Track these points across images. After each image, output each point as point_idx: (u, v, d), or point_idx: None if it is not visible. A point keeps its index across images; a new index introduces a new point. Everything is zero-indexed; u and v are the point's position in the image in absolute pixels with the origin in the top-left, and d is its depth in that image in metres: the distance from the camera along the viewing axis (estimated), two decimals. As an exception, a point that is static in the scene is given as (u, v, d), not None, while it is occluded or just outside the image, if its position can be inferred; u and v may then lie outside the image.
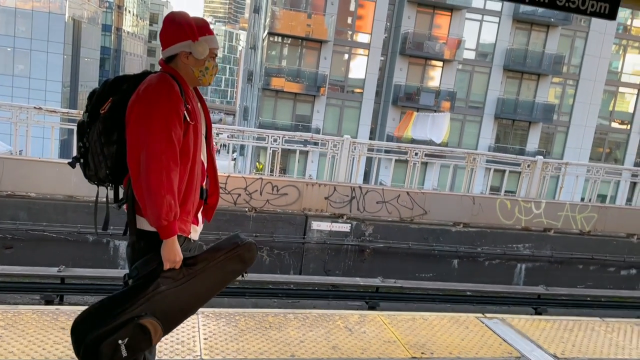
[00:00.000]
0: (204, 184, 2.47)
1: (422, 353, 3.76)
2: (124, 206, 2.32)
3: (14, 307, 3.87)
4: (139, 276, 2.27)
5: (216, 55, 2.38)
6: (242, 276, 2.51)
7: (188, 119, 2.21)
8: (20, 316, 3.57)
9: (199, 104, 2.41)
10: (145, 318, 2.19)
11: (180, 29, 2.28)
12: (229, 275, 2.47)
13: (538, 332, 4.37)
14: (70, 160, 2.36)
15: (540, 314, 8.37)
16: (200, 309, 4.24)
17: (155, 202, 2.12)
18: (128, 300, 2.21)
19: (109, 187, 2.39)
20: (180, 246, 2.28)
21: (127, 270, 2.36)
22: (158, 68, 2.40)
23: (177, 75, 2.29)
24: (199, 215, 2.46)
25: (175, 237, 2.21)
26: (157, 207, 2.12)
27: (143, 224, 2.27)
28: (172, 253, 2.22)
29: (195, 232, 2.44)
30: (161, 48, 2.38)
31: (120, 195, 2.35)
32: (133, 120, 2.16)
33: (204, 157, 2.41)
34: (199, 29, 2.29)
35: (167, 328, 2.31)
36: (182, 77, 2.30)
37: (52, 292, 6.96)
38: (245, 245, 2.45)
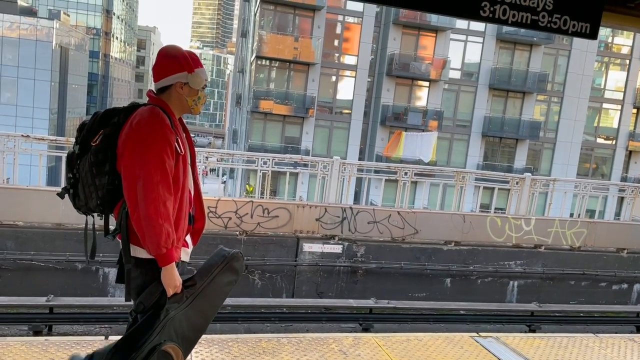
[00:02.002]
0: (191, 210, 2.56)
1: (418, 375, 3.72)
2: (118, 236, 2.37)
3: (1, 339, 3.80)
4: (147, 308, 2.34)
5: (206, 86, 2.49)
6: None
7: (179, 149, 2.30)
8: (8, 348, 3.50)
9: (184, 135, 2.50)
10: (166, 344, 2.31)
11: (176, 61, 2.38)
12: (226, 287, 2.59)
13: (532, 350, 4.35)
14: (59, 192, 2.41)
15: (534, 331, 8.36)
16: (192, 336, 4.19)
17: (154, 231, 2.19)
18: (146, 331, 2.29)
19: (100, 217, 2.44)
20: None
21: (118, 298, 2.38)
22: (147, 92, 2.50)
23: (166, 107, 2.38)
24: (188, 239, 2.55)
25: (173, 263, 2.29)
26: (157, 235, 2.20)
27: (137, 252, 2.32)
28: (173, 279, 2.30)
29: (186, 255, 2.52)
30: (153, 80, 2.45)
31: (111, 225, 2.41)
32: (128, 153, 2.24)
33: (190, 184, 2.50)
34: (193, 61, 2.41)
35: (187, 349, 2.44)
36: (171, 109, 2.39)
37: (40, 323, 6.85)
38: (234, 256, 2.58)
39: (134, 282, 2.36)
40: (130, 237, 2.30)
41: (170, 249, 2.24)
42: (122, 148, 2.25)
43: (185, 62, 2.38)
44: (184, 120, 2.65)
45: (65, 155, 2.57)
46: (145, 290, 2.34)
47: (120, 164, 2.27)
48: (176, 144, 2.29)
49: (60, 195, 2.41)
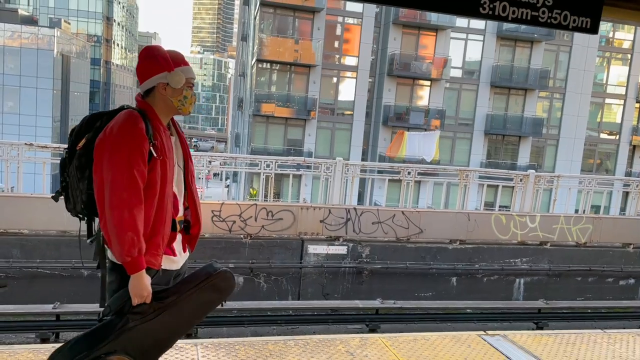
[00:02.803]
0: (184, 215, 2.51)
1: (426, 374, 3.71)
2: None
3: (9, 347, 3.80)
4: (111, 313, 2.29)
5: (193, 85, 2.44)
6: (222, 305, 2.55)
7: (155, 154, 2.26)
8: (15, 356, 3.51)
9: (173, 138, 2.46)
10: (115, 355, 2.22)
11: (155, 62, 2.35)
12: (205, 306, 2.49)
13: (541, 348, 4.33)
14: (53, 195, 2.43)
15: (541, 328, 8.33)
16: (199, 340, 4.19)
17: (118, 239, 2.17)
18: (98, 337, 2.23)
19: (84, 220, 2.44)
20: (152, 279, 2.29)
21: None
22: (135, 96, 2.47)
23: (150, 110, 2.35)
24: (176, 246, 2.46)
25: (143, 272, 2.23)
26: (120, 243, 2.17)
27: (113, 256, 2.31)
28: (139, 288, 2.24)
29: (172, 263, 2.44)
30: (138, 82, 2.42)
31: (95, 229, 2.40)
32: (97, 159, 2.23)
33: (177, 189, 2.44)
34: (174, 60, 2.37)
35: None
36: (156, 112, 2.36)
37: (47, 330, 6.86)
38: (219, 275, 2.47)
39: (110, 287, 2.34)
40: (104, 241, 2.29)
41: (136, 257, 2.19)
42: (94, 154, 2.25)
43: (165, 61, 2.34)
44: (179, 124, 2.61)
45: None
46: (116, 293, 2.30)
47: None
48: (152, 148, 2.25)
49: (55, 198, 2.42)
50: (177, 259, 2.47)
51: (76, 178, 2.30)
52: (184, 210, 2.52)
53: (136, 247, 2.18)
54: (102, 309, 2.38)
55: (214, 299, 2.49)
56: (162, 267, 2.37)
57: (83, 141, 2.29)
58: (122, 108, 2.36)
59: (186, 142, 2.57)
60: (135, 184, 2.19)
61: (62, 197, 2.41)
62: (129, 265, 2.20)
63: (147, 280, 2.25)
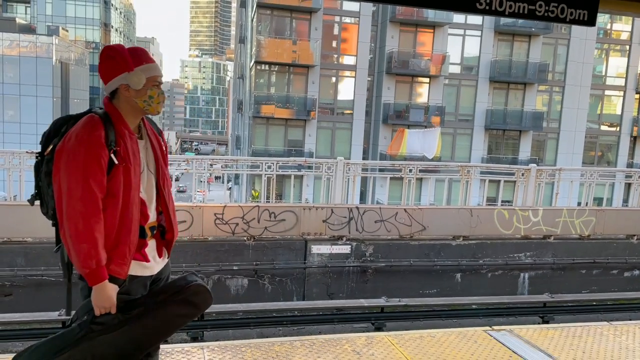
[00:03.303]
0: (157, 220, 2.42)
1: (433, 371, 3.71)
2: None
3: (16, 356, 3.80)
4: (76, 321, 2.25)
5: (159, 83, 2.33)
6: (199, 319, 2.45)
7: (116, 161, 2.19)
8: (23, 364, 3.51)
9: (143, 141, 2.37)
10: None
11: (114, 63, 2.26)
12: (176, 320, 2.40)
13: (547, 341, 4.33)
14: (29, 198, 2.38)
15: (547, 322, 8.33)
16: (206, 343, 4.19)
17: (74, 250, 2.12)
18: (57, 345, 2.19)
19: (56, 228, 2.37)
20: (121, 287, 2.23)
21: None
22: (103, 99, 2.39)
23: (115, 113, 2.27)
24: (149, 252, 2.37)
25: (104, 283, 2.16)
26: (76, 255, 2.12)
27: None
28: (101, 299, 2.17)
29: (144, 269, 2.35)
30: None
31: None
32: (55, 168, 2.17)
33: (146, 194, 2.35)
34: (134, 59, 2.27)
35: None
36: (122, 115, 2.27)
37: (53, 337, 6.86)
38: (191, 288, 2.37)
39: (82, 293, 2.28)
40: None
41: (94, 268, 2.12)
42: (54, 161, 2.19)
43: (123, 61, 2.24)
44: (154, 123, 2.52)
45: None
46: (84, 301, 2.24)
47: None
48: (113, 155, 2.17)
49: (30, 202, 2.37)
50: (150, 265, 2.37)
51: (45, 183, 2.25)
52: (157, 215, 2.42)
53: (93, 258, 2.11)
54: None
55: (187, 313, 2.40)
56: (133, 274, 2.29)
57: (51, 146, 2.23)
58: (89, 111, 2.29)
59: (161, 145, 2.46)
60: (91, 194, 2.12)
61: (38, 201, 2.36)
62: (88, 277, 2.14)
63: (111, 290, 2.18)
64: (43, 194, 2.30)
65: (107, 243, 2.18)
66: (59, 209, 2.16)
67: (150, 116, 2.47)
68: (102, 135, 2.17)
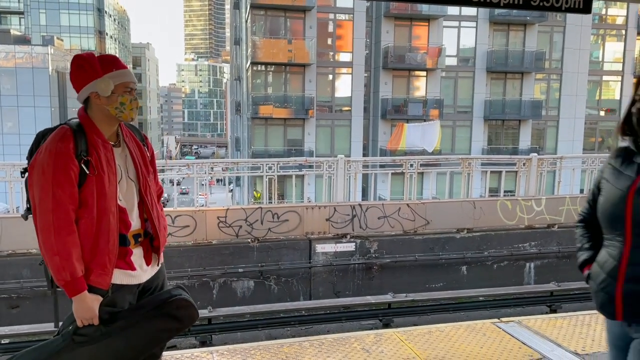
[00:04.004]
0: (142, 227, 2.40)
1: (443, 366, 3.71)
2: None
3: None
4: (60, 332, 2.25)
5: (131, 89, 2.31)
6: (186, 334, 2.44)
7: (87, 171, 2.18)
8: (33, 377, 3.51)
9: (119, 149, 2.35)
10: None
11: (83, 71, 2.27)
12: (159, 334, 2.38)
13: (556, 331, 4.32)
14: (23, 213, 2.38)
15: (555, 311, 8.32)
16: (215, 347, 4.19)
17: (48, 262, 2.13)
18: (38, 356, 2.19)
19: None
20: (104, 298, 2.22)
21: None
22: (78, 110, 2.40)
23: (88, 123, 2.27)
24: (135, 260, 2.34)
25: (84, 294, 2.15)
26: (51, 267, 2.13)
27: None
28: (81, 310, 2.17)
29: (130, 278, 2.33)
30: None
31: None
32: (29, 182, 2.19)
33: (126, 202, 2.32)
34: (103, 66, 2.26)
35: None
36: (94, 124, 2.27)
37: (62, 347, 6.87)
38: (174, 302, 2.35)
39: (68, 305, 2.27)
40: None
41: (69, 280, 2.11)
42: (28, 174, 2.20)
43: (91, 69, 2.25)
44: (136, 130, 2.51)
45: None
46: (69, 313, 2.24)
47: None
48: (83, 165, 2.17)
49: (24, 216, 2.37)
50: (136, 274, 2.34)
51: (31, 196, 2.25)
52: (141, 222, 2.40)
53: (67, 270, 2.10)
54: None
55: (171, 327, 2.37)
56: (119, 283, 2.27)
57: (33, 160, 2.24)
58: (63, 123, 2.29)
59: (143, 152, 2.46)
60: (61, 206, 2.12)
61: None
62: (65, 289, 2.14)
63: (92, 302, 2.17)
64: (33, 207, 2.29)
65: (85, 254, 2.17)
66: (35, 221, 2.16)
67: (131, 123, 2.45)
68: (71, 146, 2.17)
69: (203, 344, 7.07)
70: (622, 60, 31.66)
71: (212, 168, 9.93)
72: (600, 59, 31.97)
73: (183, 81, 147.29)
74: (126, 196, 2.33)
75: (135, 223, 2.36)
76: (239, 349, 3.95)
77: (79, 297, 2.14)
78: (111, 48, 64.75)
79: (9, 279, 8.10)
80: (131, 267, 2.32)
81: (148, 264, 2.41)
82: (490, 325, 4.46)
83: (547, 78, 30.95)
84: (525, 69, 29.46)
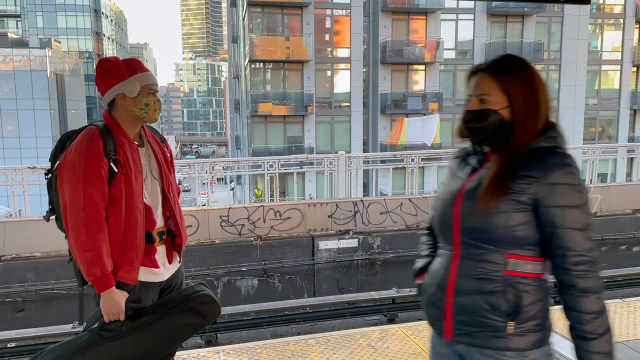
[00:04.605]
0: (165, 225, 2.47)
1: (449, 360, 3.71)
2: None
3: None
4: (87, 328, 2.30)
5: (154, 91, 2.40)
6: (207, 330, 2.51)
7: (116, 170, 2.25)
8: (41, 380, 3.52)
9: (143, 149, 2.44)
10: None
11: (109, 74, 2.34)
12: (183, 330, 2.44)
13: (561, 323, 4.33)
14: (44, 215, 2.47)
15: (558, 302, 8.32)
16: (221, 347, 4.20)
17: (79, 258, 2.20)
18: (66, 351, 2.24)
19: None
20: (130, 294, 2.28)
21: None
22: (102, 112, 2.47)
23: (114, 124, 2.34)
24: (159, 257, 2.42)
25: (112, 289, 2.22)
26: (81, 263, 2.20)
27: None
28: (109, 305, 2.23)
29: (154, 275, 2.41)
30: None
31: None
32: (59, 180, 2.27)
33: (151, 200, 2.40)
34: (128, 69, 2.35)
35: None
36: (120, 125, 2.35)
37: (69, 350, 6.89)
38: (197, 298, 2.42)
39: (94, 301, 2.34)
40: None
41: (99, 275, 2.18)
42: (57, 173, 2.29)
43: (118, 71, 2.33)
44: (156, 132, 2.59)
45: None
46: (97, 308, 2.31)
47: None
48: (112, 164, 2.24)
49: (46, 218, 2.45)
50: (159, 271, 2.42)
51: (56, 198, 2.33)
52: (164, 220, 2.48)
53: (97, 266, 2.17)
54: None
55: (195, 322, 2.44)
56: (143, 280, 2.34)
57: (58, 162, 2.32)
58: (89, 125, 2.36)
59: (164, 151, 2.55)
60: (92, 203, 2.19)
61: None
62: (95, 284, 2.21)
63: (119, 297, 2.24)
64: (57, 209, 2.37)
65: (114, 250, 2.24)
66: (64, 219, 2.24)
67: (151, 125, 2.54)
68: (101, 145, 2.24)
69: (209, 343, 7.08)
70: (620, 50, 31.58)
71: (213, 167, 9.93)
72: (599, 49, 31.90)
73: (181, 80, 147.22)
74: (151, 194, 2.41)
75: (159, 221, 2.44)
76: (245, 348, 3.96)
77: (107, 293, 2.21)
78: (109, 49, 64.71)
79: (14, 282, 8.12)
80: (155, 264, 2.39)
81: (170, 262, 2.49)
82: (495, 318, 4.46)
83: (546, 69, 30.88)
84: (524, 61, 29.39)
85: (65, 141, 2.35)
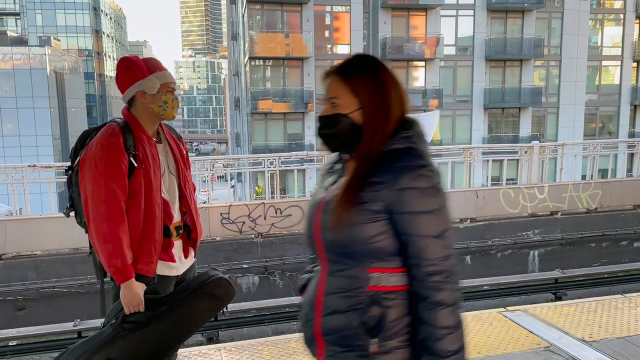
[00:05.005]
0: (182, 220, 2.55)
1: (451, 357, 3.71)
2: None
3: (35, 370, 3.83)
4: (108, 322, 2.36)
5: (173, 89, 2.47)
6: (223, 313, 2.57)
7: (135, 164, 2.32)
8: (42, 378, 3.53)
9: (161, 145, 2.51)
10: None
11: (130, 72, 2.41)
12: (202, 314, 2.51)
13: (562, 319, 4.33)
14: (64, 211, 2.53)
15: (560, 298, 8.33)
16: (222, 344, 4.20)
17: (100, 250, 2.26)
18: (91, 346, 2.30)
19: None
20: (148, 286, 2.34)
21: None
22: (122, 109, 2.53)
23: (133, 121, 2.41)
24: (175, 252, 2.50)
25: (131, 281, 2.28)
26: (102, 254, 2.26)
27: None
28: (129, 297, 2.28)
29: (170, 269, 2.49)
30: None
31: None
32: (80, 174, 2.34)
33: (168, 195, 2.48)
34: (148, 67, 2.42)
35: None
36: (139, 122, 2.41)
37: (70, 348, 6.90)
38: (213, 282, 2.48)
39: (112, 294, 2.41)
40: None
41: (120, 267, 2.24)
42: (79, 169, 2.35)
43: (138, 69, 2.39)
44: (172, 129, 2.67)
45: None
46: (114, 303, 2.38)
47: None
48: (132, 159, 2.31)
49: (66, 214, 2.51)
50: (175, 265, 2.50)
51: (77, 194, 2.40)
52: (181, 215, 2.55)
53: (118, 257, 2.23)
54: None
55: (212, 306, 2.51)
56: (160, 274, 2.41)
57: (78, 158, 2.39)
58: (107, 122, 2.44)
59: (180, 148, 2.62)
60: (113, 196, 2.26)
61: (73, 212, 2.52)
62: (115, 276, 2.27)
63: (139, 288, 2.30)
64: (77, 205, 2.45)
65: (133, 243, 2.31)
66: (85, 213, 2.31)
67: (168, 123, 2.63)
68: (121, 140, 2.32)
69: (210, 340, 7.09)
70: (621, 45, 31.52)
71: (213, 165, 9.92)
72: (599, 44, 31.84)
73: (181, 78, 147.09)
74: (169, 190, 2.49)
75: (176, 215, 2.52)
76: (247, 345, 3.96)
77: (127, 284, 2.27)
78: (108, 47, 64.63)
79: (15, 281, 8.12)
80: (172, 258, 2.49)
81: (185, 256, 2.58)
82: (496, 314, 4.46)
83: (546, 65, 30.84)
84: (524, 56, 29.35)
85: (85, 138, 2.43)
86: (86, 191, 2.28)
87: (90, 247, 2.46)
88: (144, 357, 2.37)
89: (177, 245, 2.51)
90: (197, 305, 2.44)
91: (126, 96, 2.42)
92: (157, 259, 2.38)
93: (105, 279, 2.45)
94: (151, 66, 2.42)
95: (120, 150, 2.29)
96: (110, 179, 2.25)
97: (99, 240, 2.24)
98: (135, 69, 2.39)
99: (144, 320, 2.31)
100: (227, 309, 2.58)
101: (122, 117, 2.46)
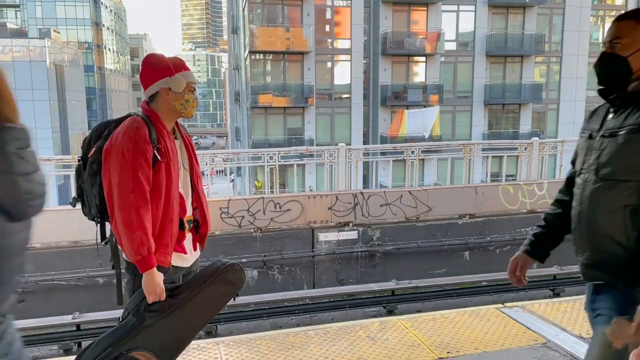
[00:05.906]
0: (193, 215, 2.63)
1: (448, 352, 3.72)
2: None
3: (34, 363, 3.84)
4: (129, 313, 2.41)
5: (194, 89, 2.56)
6: (234, 299, 2.67)
7: (159, 157, 2.38)
8: (41, 371, 3.54)
9: (178, 142, 2.58)
10: (137, 351, 2.33)
11: (157, 69, 2.48)
12: (218, 300, 2.60)
13: (560, 315, 4.34)
14: (71, 201, 2.58)
15: (558, 294, 8.36)
16: (221, 338, 4.22)
17: (128, 239, 2.29)
18: (118, 336, 2.34)
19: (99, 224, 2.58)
20: (164, 276, 2.40)
21: None
22: (141, 103, 2.59)
23: (154, 115, 2.47)
24: (186, 244, 2.58)
25: (154, 269, 2.34)
26: (129, 243, 2.29)
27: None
28: (152, 285, 2.34)
29: (183, 260, 2.56)
30: (142, 89, 2.54)
31: (108, 232, 2.55)
32: (105, 165, 2.37)
33: (183, 190, 2.55)
34: (175, 66, 2.49)
35: (166, 359, 2.45)
36: (160, 117, 2.48)
37: (69, 340, 6.94)
38: (228, 268, 2.58)
39: (127, 286, 2.48)
40: (118, 242, 2.42)
41: (146, 255, 2.30)
42: (103, 160, 2.39)
43: (166, 67, 2.47)
44: (184, 127, 2.73)
45: (74, 172, 2.72)
46: (133, 295, 2.43)
47: None
48: (156, 152, 2.37)
49: (72, 204, 2.56)
50: (187, 257, 2.58)
51: (89, 184, 2.45)
52: (192, 210, 2.62)
53: (145, 245, 2.29)
54: (122, 310, 2.48)
55: (227, 292, 2.60)
56: (173, 264, 2.48)
57: (94, 149, 2.44)
58: (128, 115, 2.48)
59: (192, 145, 2.69)
60: (141, 186, 2.31)
61: (79, 202, 2.57)
62: (140, 264, 2.32)
63: (160, 277, 2.36)
64: (86, 195, 2.50)
65: (153, 233, 2.36)
66: (109, 202, 2.35)
67: (180, 121, 2.70)
68: (147, 133, 2.38)
69: (208, 334, 7.12)
70: (622, 42, 31.41)
71: (213, 159, 9.92)
72: (600, 41, 31.75)
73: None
74: (184, 185, 2.57)
75: (189, 210, 2.60)
76: (245, 339, 3.97)
77: (149, 273, 2.33)
78: (108, 39, 64.43)
79: (14, 273, 8.12)
80: (184, 250, 2.56)
81: (195, 249, 2.66)
82: (494, 310, 4.47)
83: (547, 61, 30.77)
84: (525, 52, 29.28)
85: (103, 130, 2.48)
86: (111, 181, 2.32)
87: (103, 237, 2.54)
88: (169, 343, 2.44)
89: (188, 238, 2.59)
90: (213, 290, 2.53)
91: (149, 91, 2.48)
92: (172, 251, 2.45)
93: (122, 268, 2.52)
94: (178, 65, 2.50)
95: (147, 142, 2.35)
96: (137, 169, 2.30)
97: (127, 229, 2.28)
98: (163, 66, 2.46)
99: (166, 308, 2.38)
100: (238, 295, 2.67)
101: (141, 111, 2.51)
